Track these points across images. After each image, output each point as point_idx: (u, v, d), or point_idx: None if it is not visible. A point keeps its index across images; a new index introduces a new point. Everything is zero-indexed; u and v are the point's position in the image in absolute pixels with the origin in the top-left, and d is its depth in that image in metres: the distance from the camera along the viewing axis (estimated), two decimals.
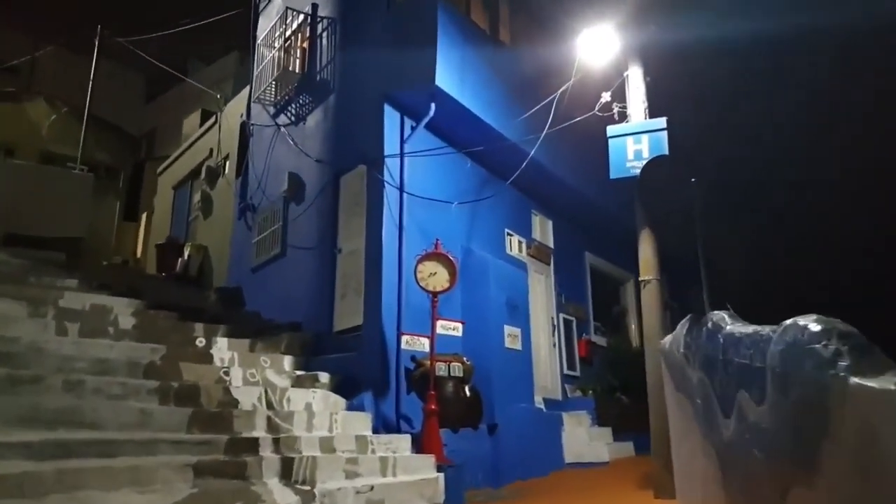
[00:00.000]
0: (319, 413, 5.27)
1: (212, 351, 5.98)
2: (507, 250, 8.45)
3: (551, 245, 9.65)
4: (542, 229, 9.54)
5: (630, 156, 5.60)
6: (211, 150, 10.57)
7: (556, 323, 9.33)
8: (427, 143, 6.94)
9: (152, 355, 5.46)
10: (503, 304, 7.24)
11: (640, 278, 5.52)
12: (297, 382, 5.88)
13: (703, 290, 4.00)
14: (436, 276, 5.80)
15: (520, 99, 7.37)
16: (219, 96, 10.68)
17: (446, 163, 7.27)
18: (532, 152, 7.16)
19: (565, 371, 9.33)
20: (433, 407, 5.52)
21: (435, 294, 5.78)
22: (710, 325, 2.95)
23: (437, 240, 5.94)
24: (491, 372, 6.74)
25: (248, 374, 5.68)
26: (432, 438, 5.44)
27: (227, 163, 10.02)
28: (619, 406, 9.44)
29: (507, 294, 7.34)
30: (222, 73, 17.13)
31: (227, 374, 5.54)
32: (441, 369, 5.82)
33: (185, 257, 9.61)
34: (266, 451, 4.49)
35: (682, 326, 3.51)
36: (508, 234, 8.55)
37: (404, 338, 5.63)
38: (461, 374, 5.96)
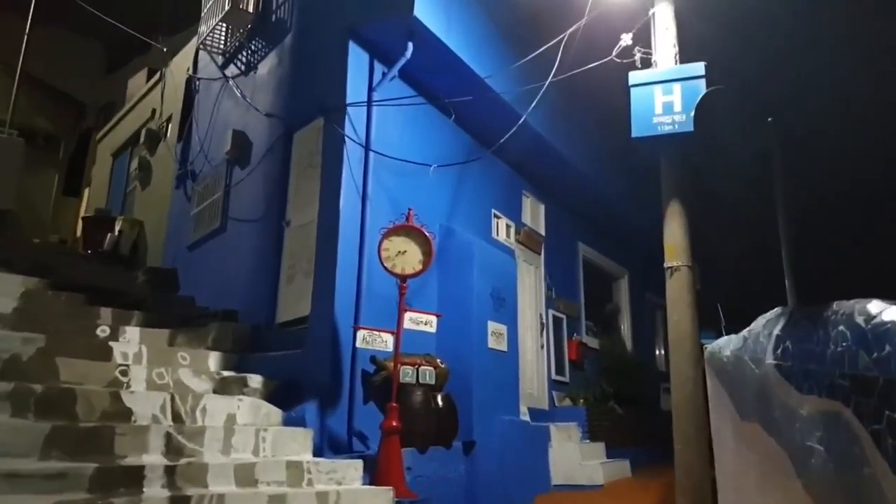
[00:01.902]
0: (243, 429, 3.96)
1: (113, 343, 4.62)
2: (494, 234, 7.20)
3: (543, 232, 8.43)
4: (534, 213, 8.31)
5: (658, 109, 4.37)
6: (153, 111, 9.14)
7: (544, 321, 8.12)
8: (401, 94, 5.64)
9: (23, 347, 4.08)
10: (488, 296, 5.99)
11: (666, 265, 4.30)
12: (221, 387, 4.56)
13: (787, 274, 2.79)
14: (405, 256, 4.52)
15: (518, 44, 6.10)
16: (165, 49, 9.24)
17: (424, 118, 5.98)
18: (527, 113, 5.91)
19: (553, 376, 8.12)
20: (394, 424, 4.25)
21: (404, 278, 4.50)
22: (855, 319, 1.72)
23: (410, 209, 4.66)
24: (470, 377, 5.50)
25: (156, 374, 4.34)
26: (391, 464, 4.17)
27: (170, 125, 8.61)
28: (612, 417, 8.27)
29: (494, 284, 6.09)
30: (185, 42, 15.64)
31: (124, 373, 4.20)
32: (407, 374, 4.54)
33: (116, 233, 8.18)
34: (152, 488, 3.18)
35: (770, 324, 2.28)
36: (496, 215, 7.30)
37: (360, 333, 4.34)
38: (432, 381, 4.69)
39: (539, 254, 8.29)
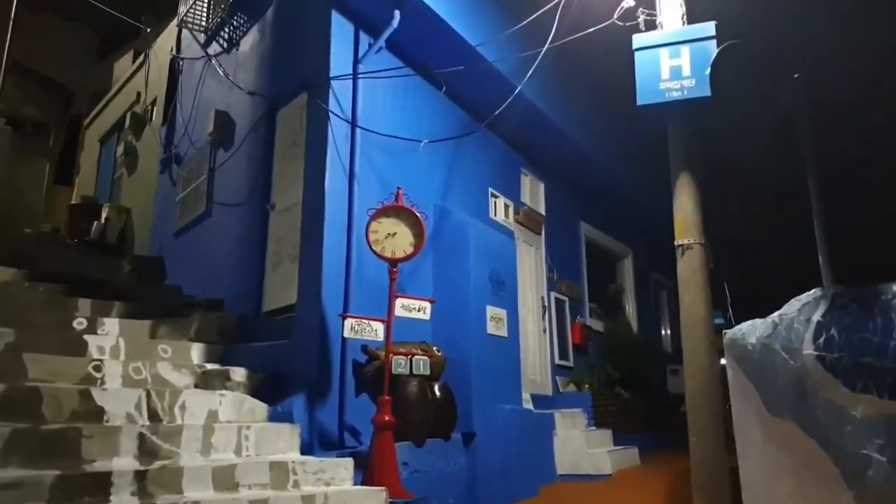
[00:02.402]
0: (225, 426, 3.69)
1: (89, 337, 4.35)
2: (491, 214, 6.89)
3: (543, 212, 8.11)
4: (533, 192, 7.98)
5: (665, 74, 4.03)
6: (138, 95, 8.81)
7: (546, 303, 7.83)
8: (388, 65, 5.30)
9: None
10: (486, 280, 5.69)
11: (676, 242, 3.99)
12: (203, 381, 4.30)
13: (820, 250, 2.48)
14: (395, 238, 4.22)
15: (511, 9, 5.73)
16: (149, 30, 8.88)
17: (413, 91, 5.64)
18: (522, 83, 5.57)
19: (556, 361, 7.86)
20: (386, 418, 3.98)
21: (394, 262, 4.21)
22: None
23: (399, 188, 4.35)
24: (469, 365, 5.23)
25: (133, 368, 4.07)
26: (384, 462, 3.91)
27: (154, 108, 8.28)
28: (619, 402, 8.01)
29: (492, 266, 5.79)
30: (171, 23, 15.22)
31: (98, 369, 3.93)
32: (400, 364, 4.26)
33: (102, 221, 7.89)
34: (121, 496, 2.92)
35: (807, 309, 1.98)
36: (493, 194, 6.99)
37: (348, 322, 4.05)
38: (427, 371, 4.41)
39: (539, 234, 7.99)
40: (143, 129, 8.41)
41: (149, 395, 3.70)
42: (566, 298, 8.30)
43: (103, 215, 7.98)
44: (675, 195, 4.01)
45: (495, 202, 7.03)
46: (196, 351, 4.75)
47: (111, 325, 4.77)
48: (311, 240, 4.70)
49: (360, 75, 4.93)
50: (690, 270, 3.85)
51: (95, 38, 20.45)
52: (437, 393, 4.85)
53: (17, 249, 6.23)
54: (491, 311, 5.66)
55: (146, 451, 3.32)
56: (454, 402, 4.98)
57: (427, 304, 4.33)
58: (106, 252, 7.58)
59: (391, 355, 4.17)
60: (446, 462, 4.84)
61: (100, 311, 5.01)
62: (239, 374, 4.32)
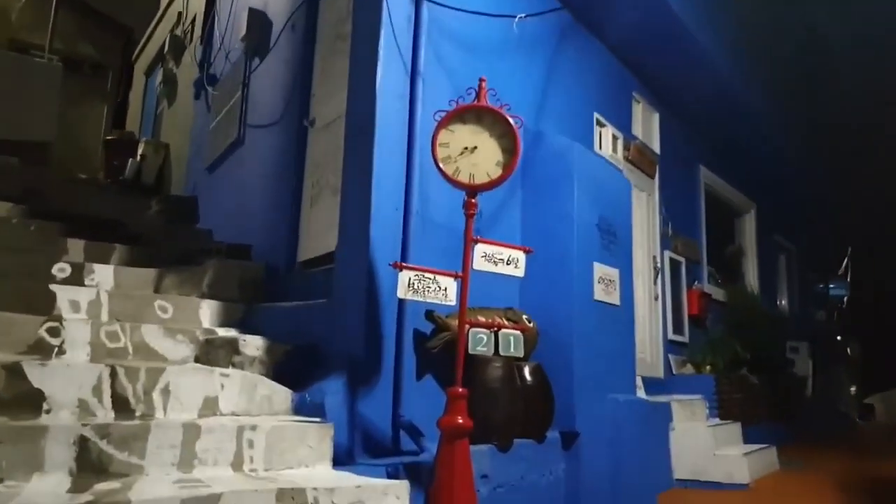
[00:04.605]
0: (220, 424, 2.46)
1: (64, 288, 3.23)
2: (596, 147, 5.36)
3: (657, 149, 6.48)
4: (646, 123, 6.36)
5: None
6: (179, 15, 7.69)
7: (659, 264, 6.27)
8: None
9: None
10: (594, 228, 4.22)
11: None
12: (204, 353, 3.10)
13: None
14: (475, 155, 2.81)
15: None
16: None
17: None
18: None
19: (670, 336, 6.32)
20: (459, 420, 2.65)
21: (473, 190, 2.81)
22: None
23: (483, 80, 2.92)
24: (570, 342, 3.84)
25: (107, 333, 2.92)
26: (456, 486, 2.60)
27: (194, 27, 7.13)
28: (745, 387, 6.43)
29: (601, 211, 4.30)
30: None
31: (56, 332, 2.79)
32: (481, 341, 2.88)
33: (138, 158, 6.89)
34: None
35: None
36: (599, 122, 5.43)
37: (404, 276, 2.70)
38: (520, 351, 3.02)
39: (653, 178, 6.38)
40: (182, 54, 7.32)
41: (114, 374, 2.51)
42: (682, 259, 6.69)
43: (139, 152, 6.98)
44: None
45: (601, 132, 5.48)
46: (207, 311, 3.57)
47: (104, 273, 3.65)
48: (356, 163, 3.36)
49: None
50: None
51: None
52: (529, 378, 3.52)
53: (28, 185, 5.25)
54: (599, 269, 4.19)
55: (89, 465, 2.14)
56: (551, 390, 3.63)
57: (520, 255, 2.91)
58: (141, 193, 6.58)
59: (467, 327, 2.81)
60: (540, 472, 3.53)
61: (95, 255, 3.91)
62: (253, 345, 3.08)
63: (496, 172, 2.81)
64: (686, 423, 5.37)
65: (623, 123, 5.84)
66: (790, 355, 8.92)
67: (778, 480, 5.22)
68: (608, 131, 5.55)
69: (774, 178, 8.60)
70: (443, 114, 2.86)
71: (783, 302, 10.40)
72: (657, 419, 4.83)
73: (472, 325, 2.86)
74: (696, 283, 6.87)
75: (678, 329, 6.44)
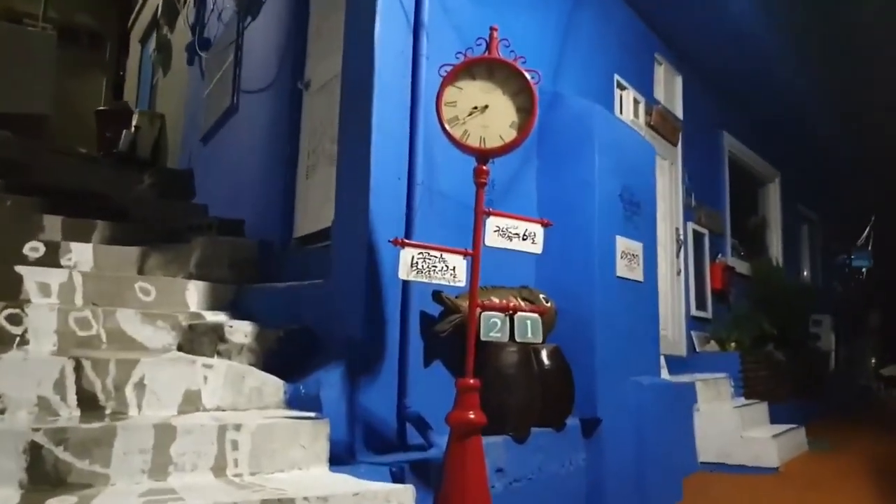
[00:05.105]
0: (202, 425, 2.17)
1: (32, 270, 2.93)
2: (616, 111, 4.98)
3: (680, 115, 6.07)
4: (668, 87, 5.94)
5: None
6: None
7: (682, 236, 5.91)
8: None
9: None
10: (616, 199, 3.87)
11: None
12: (188, 341, 2.80)
13: None
14: (487, 115, 2.46)
15: None
16: None
17: None
18: None
19: (692, 312, 5.99)
20: (471, 416, 2.35)
21: (484, 156, 2.47)
22: None
23: (494, 29, 2.55)
24: (591, 321, 3.54)
25: (77, 320, 2.63)
26: (470, 485, 2.31)
27: None
28: (771, 364, 6.11)
29: (625, 180, 3.95)
30: None
31: (17, 320, 2.51)
32: (494, 326, 2.56)
33: (132, 130, 6.56)
34: None
35: None
36: (619, 84, 5.04)
37: (406, 254, 2.37)
38: (539, 336, 2.69)
39: (675, 145, 5.98)
40: (175, 18, 6.93)
41: (79, 368, 2.22)
42: (705, 231, 6.32)
43: (133, 123, 6.65)
44: None
45: (622, 95, 5.09)
46: (195, 293, 3.27)
47: (82, 252, 3.36)
48: (353, 128, 3.02)
49: None
50: None
51: None
52: (546, 362, 3.23)
53: (8, 158, 4.95)
54: (622, 243, 3.85)
55: (43, 476, 1.86)
56: (571, 375, 3.33)
57: (538, 228, 2.57)
58: (135, 166, 6.27)
59: (479, 310, 2.49)
60: (559, 462, 3.25)
61: (74, 233, 3.61)
62: (241, 331, 2.78)
63: (510, 135, 2.46)
64: (711, 404, 5.09)
65: (645, 87, 5.43)
66: (813, 329, 8.59)
67: (807, 464, 4.94)
68: (629, 95, 5.15)
69: (799, 144, 8.16)
70: (449, 68, 2.51)
71: (805, 273, 10.03)
72: (682, 401, 4.55)
73: (486, 309, 2.54)
74: (719, 256, 6.51)
75: (701, 304, 6.11)
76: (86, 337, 2.59)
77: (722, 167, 6.92)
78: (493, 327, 2.52)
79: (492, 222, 2.47)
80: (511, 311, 2.61)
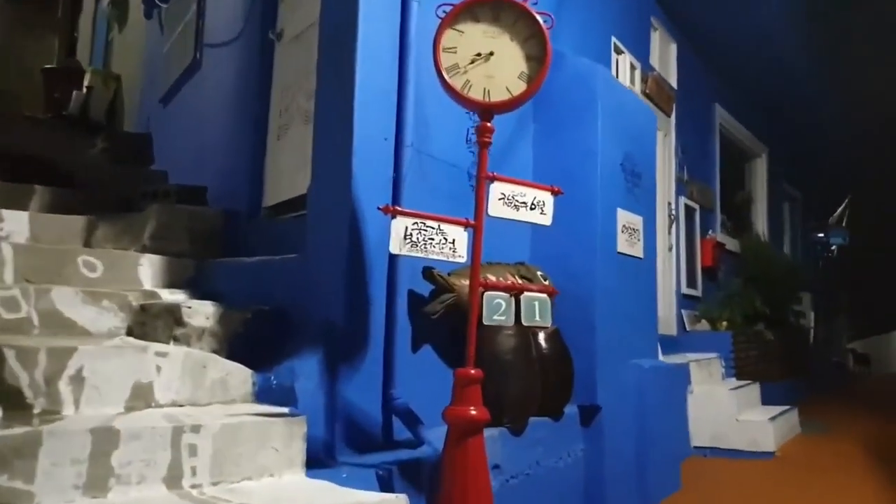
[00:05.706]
0: (153, 427, 1.80)
1: None
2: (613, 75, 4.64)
3: (674, 84, 5.77)
4: (663, 54, 5.63)
5: None
6: None
7: (674, 212, 5.66)
8: None
9: None
10: (618, 168, 3.56)
11: None
12: (139, 324, 2.42)
13: None
14: (492, 63, 2.11)
15: None
16: None
17: None
18: None
19: (683, 289, 5.77)
20: (472, 412, 2.03)
21: (489, 111, 2.12)
22: None
23: None
24: (591, 301, 3.25)
25: (3, 299, 2.22)
26: (471, 497, 2.00)
27: None
28: (761, 344, 5.95)
29: (627, 148, 3.64)
30: None
31: None
32: (499, 307, 2.23)
33: (83, 90, 6.01)
34: None
35: None
36: (616, 48, 4.71)
37: (399, 224, 2.02)
38: (546, 319, 2.37)
39: (669, 115, 5.69)
40: None
41: (1, 358, 1.83)
42: (696, 206, 6.08)
43: (85, 83, 6.09)
44: None
45: (618, 60, 4.75)
46: (149, 269, 2.86)
47: (16, 222, 2.92)
48: (333, 82, 2.63)
49: None
50: None
51: None
52: (545, 346, 2.93)
53: None
54: (623, 216, 3.55)
55: None
56: (570, 359, 3.05)
57: (547, 196, 2.24)
58: (86, 130, 5.73)
59: (482, 289, 2.16)
60: (557, 455, 2.98)
61: (8, 200, 3.15)
62: (201, 312, 2.39)
63: (519, 87, 2.11)
64: (704, 386, 4.90)
65: (641, 52, 5.11)
66: (797, 307, 8.52)
67: (803, 447, 4.78)
68: (626, 59, 4.83)
69: (788, 121, 7.96)
70: (448, 8, 2.13)
71: (787, 251, 9.95)
72: (677, 383, 4.32)
73: (488, 288, 2.21)
74: (710, 232, 6.29)
75: (692, 282, 5.89)
76: (13, 320, 2.18)
77: (713, 141, 6.68)
78: (496, 309, 2.19)
79: (496, 188, 2.13)
80: (517, 292, 2.29)
